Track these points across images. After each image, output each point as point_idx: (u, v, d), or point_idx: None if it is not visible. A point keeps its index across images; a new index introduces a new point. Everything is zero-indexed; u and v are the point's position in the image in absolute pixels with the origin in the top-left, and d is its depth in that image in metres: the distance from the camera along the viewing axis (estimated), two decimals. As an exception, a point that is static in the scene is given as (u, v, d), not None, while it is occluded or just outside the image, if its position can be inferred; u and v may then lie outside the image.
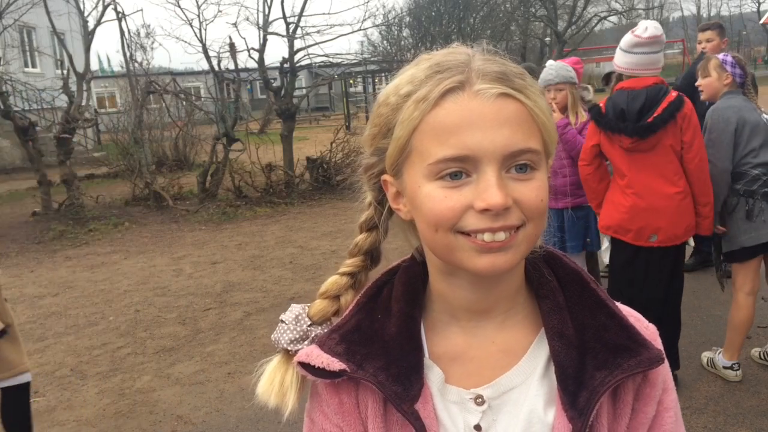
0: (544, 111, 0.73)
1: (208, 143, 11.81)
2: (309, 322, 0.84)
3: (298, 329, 0.84)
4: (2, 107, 10.14)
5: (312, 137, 16.58)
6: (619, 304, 0.84)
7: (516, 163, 0.70)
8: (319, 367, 0.79)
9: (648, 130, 3.16)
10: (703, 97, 3.62)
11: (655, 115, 3.15)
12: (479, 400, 0.79)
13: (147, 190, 10.62)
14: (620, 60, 3.31)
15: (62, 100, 11.71)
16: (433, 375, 0.79)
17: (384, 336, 0.80)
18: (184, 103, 13.69)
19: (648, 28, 3.27)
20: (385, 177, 0.79)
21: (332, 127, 13.42)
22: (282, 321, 0.86)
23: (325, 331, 0.84)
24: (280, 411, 0.85)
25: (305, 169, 11.19)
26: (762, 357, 3.77)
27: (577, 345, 0.78)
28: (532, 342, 0.81)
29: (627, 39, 3.28)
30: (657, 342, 0.81)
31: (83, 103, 11.01)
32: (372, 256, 0.88)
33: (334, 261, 6.80)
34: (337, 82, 22.26)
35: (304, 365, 0.81)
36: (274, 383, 0.84)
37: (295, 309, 0.86)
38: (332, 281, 0.87)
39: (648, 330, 0.83)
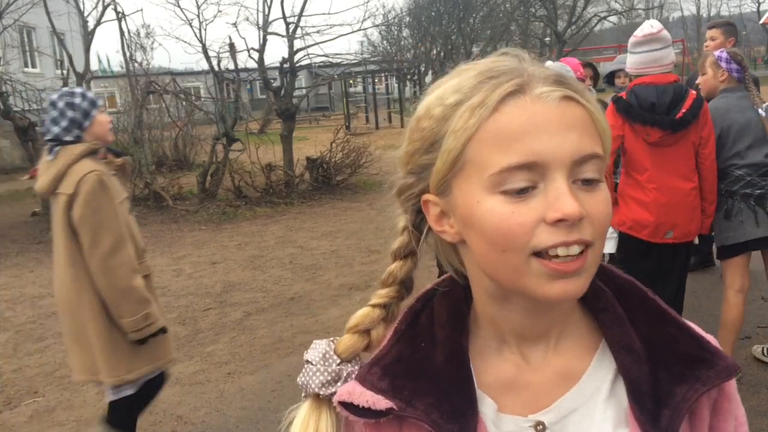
0: (603, 116, 0.68)
1: (207, 143, 11.81)
2: (338, 361, 0.77)
3: (329, 370, 0.76)
4: (2, 107, 10.14)
5: (312, 137, 16.58)
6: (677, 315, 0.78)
7: (582, 177, 0.64)
8: (363, 407, 0.71)
9: (680, 124, 3.20)
10: (702, 94, 3.64)
11: (683, 110, 3.20)
12: (540, 426, 0.72)
13: (147, 190, 10.62)
14: (628, 61, 3.43)
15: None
16: (486, 407, 0.72)
17: (431, 367, 0.73)
18: (183, 103, 13.69)
19: (644, 26, 3.36)
20: (427, 197, 0.71)
21: (332, 127, 13.43)
22: (308, 362, 0.77)
23: (363, 364, 0.76)
24: None
25: (305, 169, 11.19)
26: (765, 353, 3.77)
27: (647, 359, 0.72)
28: (592, 360, 0.74)
29: (630, 40, 3.39)
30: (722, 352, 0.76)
31: (83, 103, 10.99)
32: (406, 285, 0.80)
33: (333, 261, 6.81)
34: (336, 82, 22.27)
35: (345, 405, 0.73)
36: None
37: (319, 346, 0.78)
38: (363, 314, 0.78)
39: (713, 340, 0.77)
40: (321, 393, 0.76)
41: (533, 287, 0.65)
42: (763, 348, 3.79)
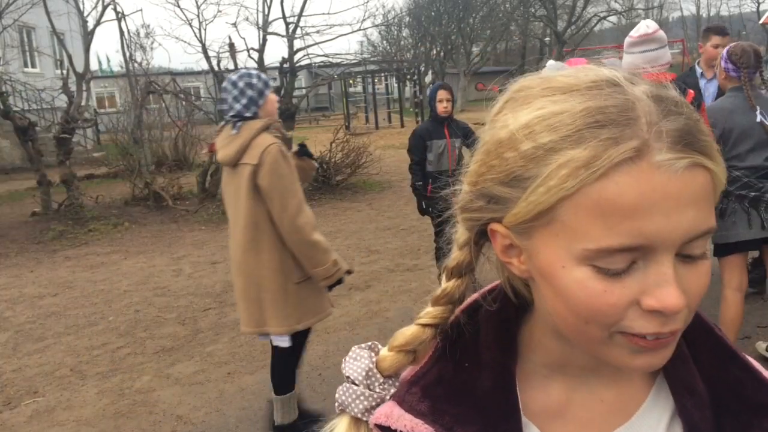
0: (723, 170, 0.57)
1: (207, 143, 11.79)
2: (381, 380, 0.70)
3: (374, 396, 0.69)
4: (2, 107, 10.14)
5: (312, 137, 16.57)
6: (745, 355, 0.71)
7: (690, 253, 0.56)
8: (401, 431, 0.66)
9: None
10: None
11: None
12: None
13: (146, 190, 10.62)
14: (623, 61, 3.45)
15: (62, 100, 11.70)
16: None
17: (475, 391, 0.67)
18: (183, 103, 13.69)
19: (639, 27, 3.38)
20: (497, 227, 0.62)
21: (332, 127, 13.43)
22: (350, 380, 0.70)
23: (403, 383, 0.71)
24: None
25: (305, 169, 11.19)
26: None
27: (711, 403, 0.65)
28: (647, 396, 0.68)
29: (626, 40, 3.41)
30: None
31: (83, 103, 11.01)
32: (460, 303, 0.73)
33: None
34: (336, 82, 22.27)
35: (382, 428, 0.68)
36: None
37: (362, 360, 0.71)
38: (413, 335, 0.70)
39: None
40: (364, 418, 0.70)
41: (614, 358, 0.59)
42: (767, 345, 3.80)
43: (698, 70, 4.83)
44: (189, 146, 14.65)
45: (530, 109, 0.58)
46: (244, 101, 3.03)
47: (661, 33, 3.38)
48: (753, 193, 3.38)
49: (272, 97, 3.16)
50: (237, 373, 4.23)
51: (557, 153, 0.54)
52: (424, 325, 0.71)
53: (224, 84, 3.12)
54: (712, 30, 5.05)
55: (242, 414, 3.69)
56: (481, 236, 0.67)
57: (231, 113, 3.06)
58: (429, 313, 0.71)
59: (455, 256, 0.71)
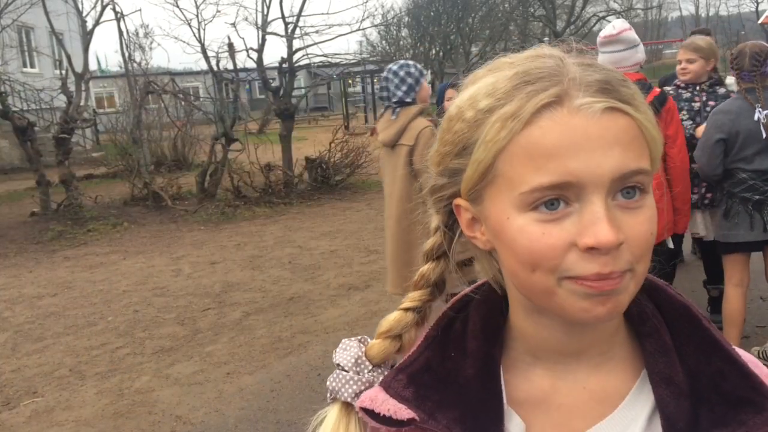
0: (653, 123, 0.62)
1: (206, 143, 11.80)
2: (370, 367, 0.74)
3: (363, 380, 0.73)
4: (1, 107, 10.13)
5: (311, 137, 16.58)
6: (737, 348, 0.71)
7: (624, 187, 0.59)
8: (384, 415, 0.69)
9: None
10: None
11: None
12: None
13: (146, 190, 10.61)
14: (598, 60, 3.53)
15: (61, 101, 11.70)
16: (513, 425, 0.68)
17: (459, 378, 0.69)
18: (182, 103, 13.69)
19: (606, 28, 3.43)
20: (458, 201, 0.67)
21: (331, 127, 13.42)
22: (340, 367, 0.74)
23: (390, 370, 0.74)
24: None
25: (304, 169, 11.19)
26: (761, 356, 3.77)
27: (689, 394, 0.66)
28: (632, 388, 0.69)
29: (597, 41, 3.48)
30: None
31: (82, 104, 11.00)
32: (438, 287, 0.76)
33: (333, 261, 6.81)
34: (335, 82, 22.27)
35: (367, 411, 0.71)
36: None
37: (351, 349, 0.75)
38: (396, 319, 0.75)
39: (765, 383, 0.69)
40: (353, 403, 0.73)
41: (565, 307, 0.61)
42: (759, 350, 3.79)
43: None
44: (188, 146, 14.64)
45: (474, 86, 0.65)
46: (404, 88, 3.40)
47: (628, 34, 3.40)
48: (757, 197, 3.39)
49: (426, 85, 3.52)
50: (236, 373, 4.23)
51: (493, 113, 0.61)
52: (406, 309, 0.75)
53: (384, 74, 3.50)
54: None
55: (241, 414, 3.69)
56: (450, 218, 0.72)
57: (393, 99, 3.44)
58: (409, 297, 0.76)
59: (429, 241, 0.75)
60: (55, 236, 8.82)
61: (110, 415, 3.81)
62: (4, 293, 6.50)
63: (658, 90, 3.33)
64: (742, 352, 0.71)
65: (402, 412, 0.68)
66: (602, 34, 3.43)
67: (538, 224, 0.59)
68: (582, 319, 0.61)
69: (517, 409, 0.69)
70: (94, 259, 7.69)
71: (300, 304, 5.52)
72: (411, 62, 3.52)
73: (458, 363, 0.70)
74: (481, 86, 0.64)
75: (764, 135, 3.33)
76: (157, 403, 3.91)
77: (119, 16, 11.04)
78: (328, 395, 0.75)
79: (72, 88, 10.58)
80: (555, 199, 0.58)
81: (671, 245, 3.55)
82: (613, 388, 0.69)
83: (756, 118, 3.34)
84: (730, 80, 4.37)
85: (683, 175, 3.37)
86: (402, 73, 3.42)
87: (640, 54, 3.49)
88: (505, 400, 0.69)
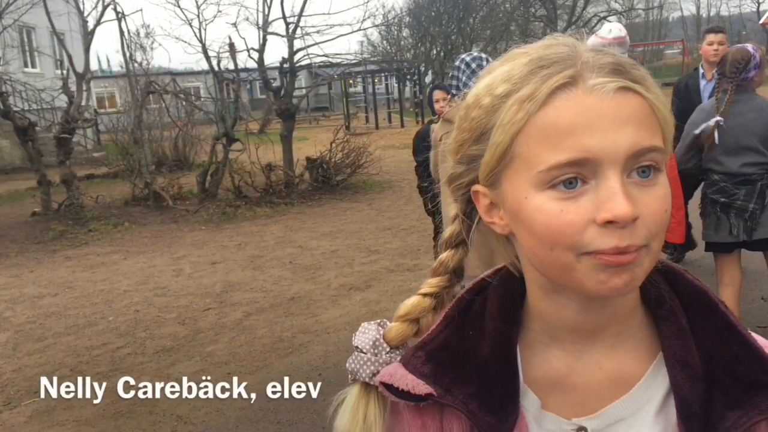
0: (665, 104, 0.64)
1: (207, 143, 11.81)
2: (387, 349, 0.76)
3: (380, 361, 0.76)
4: (2, 107, 10.14)
5: (312, 137, 16.58)
6: (753, 334, 0.72)
7: (639, 165, 0.61)
8: (403, 390, 0.71)
9: None
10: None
11: None
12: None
13: (147, 190, 10.62)
14: None
15: (62, 101, 11.70)
16: (529, 402, 0.70)
17: (476, 357, 0.71)
18: (183, 103, 13.69)
19: (612, 30, 3.39)
20: (477, 188, 0.69)
21: (332, 127, 13.43)
22: (358, 349, 0.77)
23: (410, 348, 0.77)
24: None
25: (305, 169, 11.19)
26: None
27: (704, 377, 0.67)
28: (648, 370, 0.70)
29: (590, 40, 3.44)
30: None
31: (83, 104, 11.01)
32: (456, 274, 0.78)
33: (333, 261, 6.81)
34: (336, 82, 22.28)
35: (386, 386, 0.73)
36: (357, 419, 0.76)
37: (369, 332, 0.77)
38: (414, 303, 0.77)
39: None
40: (372, 383, 0.76)
41: (584, 282, 0.62)
42: None
43: (701, 71, 4.81)
44: (189, 146, 14.64)
45: (490, 75, 0.67)
46: (474, 80, 3.42)
47: (612, 35, 3.40)
48: (723, 199, 3.41)
49: None
50: (237, 373, 4.23)
51: (509, 98, 0.63)
52: (424, 294, 0.77)
53: (456, 63, 3.47)
54: (707, 29, 5.11)
55: (242, 414, 3.69)
56: (468, 206, 0.74)
57: (464, 90, 3.39)
58: (428, 283, 0.78)
59: (448, 229, 0.77)
60: (56, 236, 8.83)
61: (111, 414, 3.82)
62: (6, 293, 6.51)
63: None
64: (758, 338, 0.72)
65: (420, 387, 0.70)
66: (611, 35, 3.39)
67: (556, 202, 0.61)
68: (599, 291, 0.62)
69: (533, 388, 0.71)
70: (95, 259, 7.70)
71: (301, 304, 5.52)
72: (484, 55, 3.51)
73: (476, 342, 0.72)
74: (497, 74, 0.66)
75: (716, 140, 3.34)
76: (157, 403, 3.91)
77: (120, 16, 11.05)
78: (349, 377, 0.78)
79: (73, 88, 10.59)
80: (573, 178, 0.60)
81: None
82: (629, 370, 0.70)
83: (711, 122, 3.36)
84: None
85: (672, 180, 3.40)
86: (474, 66, 3.42)
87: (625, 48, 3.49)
88: (522, 379, 0.71)
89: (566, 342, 0.71)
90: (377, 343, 0.76)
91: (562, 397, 0.71)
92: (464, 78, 3.40)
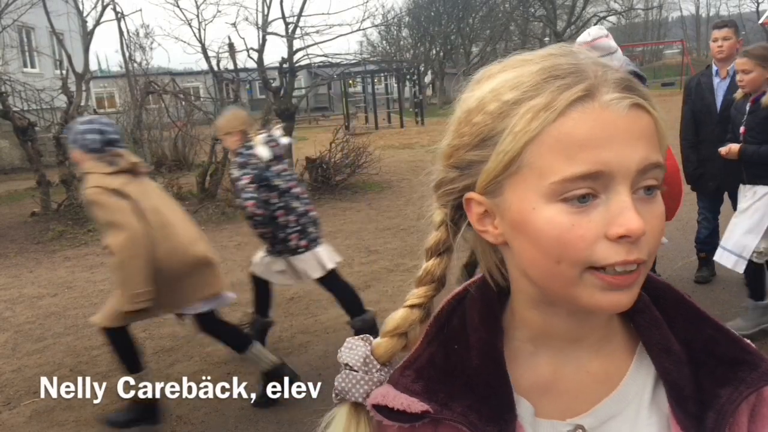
0: (665, 122, 0.65)
1: (207, 143, 11.81)
2: (378, 366, 0.73)
3: (373, 380, 0.73)
4: (1, 107, 10.13)
5: (311, 137, 16.57)
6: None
7: (645, 184, 0.62)
8: (397, 410, 0.69)
9: None
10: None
11: None
12: (579, 430, 0.70)
13: (146, 190, 10.60)
14: None
15: (61, 101, 11.71)
16: (523, 410, 0.70)
17: (466, 370, 0.70)
18: (183, 103, 13.69)
19: (590, 32, 3.44)
20: (472, 195, 0.67)
21: (332, 128, 13.43)
22: (348, 366, 0.73)
23: (395, 369, 0.74)
24: None
25: (304, 170, 11.19)
26: None
27: (688, 361, 0.70)
28: (631, 364, 0.72)
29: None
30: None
31: (82, 104, 11.00)
32: (441, 282, 0.76)
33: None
34: (336, 82, 22.27)
35: (379, 408, 0.70)
36: None
37: (358, 349, 0.74)
38: (403, 317, 0.74)
39: (751, 344, 0.74)
40: (365, 403, 0.72)
41: (584, 298, 0.63)
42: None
43: (714, 69, 4.72)
44: (188, 146, 14.63)
45: (494, 80, 0.66)
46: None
47: (604, 42, 3.41)
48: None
49: None
50: (237, 373, 4.22)
51: (520, 105, 0.62)
52: (412, 306, 0.74)
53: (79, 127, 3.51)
54: (713, 25, 5.07)
55: (241, 414, 3.69)
56: (456, 212, 0.72)
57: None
58: (414, 294, 0.75)
59: (433, 236, 0.75)
60: (55, 236, 8.82)
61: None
62: (5, 293, 6.50)
63: None
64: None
65: (415, 405, 0.68)
66: (578, 41, 3.42)
67: (566, 215, 0.61)
68: (602, 309, 0.63)
69: (524, 395, 0.71)
70: (95, 259, 7.69)
71: (300, 304, 5.51)
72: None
73: (462, 355, 0.71)
74: (501, 80, 0.65)
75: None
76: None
77: (120, 16, 11.06)
78: (335, 397, 0.74)
79: (72, 88, 10.59)
80: (586, 194, 0.60)
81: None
82: (614, 368, 0.72)
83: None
84: None
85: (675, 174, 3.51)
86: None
87: (615, 62, 3.50)
88: (513, 388, 0.70)
89: (552, 349, 0.71)
90: (368, 360, 0.73)
91: (552, 402, 0.71)
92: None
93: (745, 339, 0.74)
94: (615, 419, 0.70)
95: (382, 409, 0.70)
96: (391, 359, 0.74)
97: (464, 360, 0.71)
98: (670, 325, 0.72)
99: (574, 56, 0.65)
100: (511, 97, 0.63)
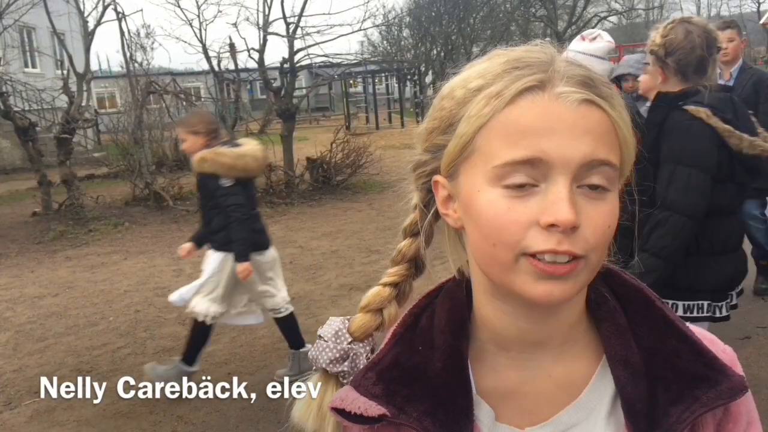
0: (627, 125, 0.65)
1: (208, 143, 11.78)
2: (349, 339, 0.77)
3: (338, 348, 0.76)
4: (2, 107, 10.14)
5: (312, 137, 16.57)
6: (690, 325, 0.73)
7: (590, 182, 0.62)
8: (355, 413, 0.70)
9: None
10: None
11: None
12: None
13: (147, 190, 10.62)
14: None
15: (62, 101, 11.71)
16: (482, 414, 0.70)
17: (428, 372, 0.71)
18: (184, 103, 13.69)
19: (599, 37, 3.41)
20: (437, 178, 0.70)
21: (332, 128, 13.43)
22: (320, 337, 0.78)
23: (370, 347, 0.77)
24: None
25: (305, 170, 11.19)
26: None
27: (646, 374, 0.68)
28: (594, 373, 0.71)
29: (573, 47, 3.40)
30: (737, 368, 0.72)
31: (83, 104, 11.01)
32: (416, 263, 0.78)
33: (334, 261, 6.81)
34: (337, 82, 22.27)
35: (339, 411, 0.72)
36: (312, 407, 0.77)
37: (334, 323, 0.78)
38: (374, 293, 0.78)
39: (726, 354, 0.73)
40: (329, 369, 0.77)
41: (518, 284, 0.63)
42: None
43: (718, 70, 4.73)
44: (189, 146, 14.59)
45: (469, 70, 0.69)
46: None
47: (595, 45, 3.40)
48: None
49: None
50: (237, 373, 4.23)
51: (481, 92, 0.64)
52: (384, 284, 0.78)
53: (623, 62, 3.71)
54: (715, 26, 5.05)
55: (242, 414, 3.69)
56: (428, 195, 0.74)
57: None
58: (388, 273, 0.79)
59: (409, 217, 0.78)
60: (56, 236, 8.83)
61: (111, 415, 3.82)
62: (6, 293, 6.51)
63: (616, 87, 3.44)
64: (696, 329, 0.73)
65: (372, 409, 0.69)
66: (599, 44, 3.40)
67: (505, 199, 0.62)
68: (532, 297, 0.63)
69: (486, 398, 0.71)
70: (96, 259, 7.70)
71: (301, 304, 5.51)
72: None
73: (427, 357, 0.72)
74: (474, 70, 0.68)
75: None
76: (158, 403, 3.91)
77: (120, 17, 11.05)
78: (312, 366, 0.79)
79: (73, 88, 10.59)
80: (525, 183, 0.61)
81: None
82: (578, 374, 0.71)
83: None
84: None
85: None
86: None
87: (602, 65, 3.47)
88: (474, 390, 0.70)
89: (514, 351, 0.71)
90: (339, 333, 0.77)
91: (514, 406, 0.71)
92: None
93: (722, 347, 0.73)
94: (574, 429, 0.69)
95: (342, 412, 0.71)
96: (364, 335, 0.77)
97: (427, 362, 0.71)
98: (635, 334, 0.71)
99: (545, 54, 0.66)
100: (475, 85, 0.65)
